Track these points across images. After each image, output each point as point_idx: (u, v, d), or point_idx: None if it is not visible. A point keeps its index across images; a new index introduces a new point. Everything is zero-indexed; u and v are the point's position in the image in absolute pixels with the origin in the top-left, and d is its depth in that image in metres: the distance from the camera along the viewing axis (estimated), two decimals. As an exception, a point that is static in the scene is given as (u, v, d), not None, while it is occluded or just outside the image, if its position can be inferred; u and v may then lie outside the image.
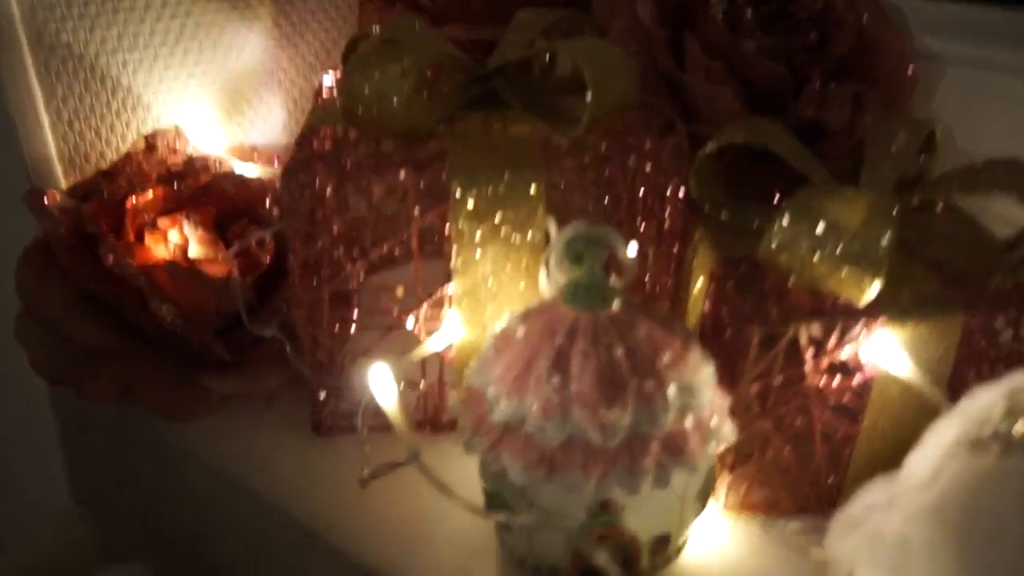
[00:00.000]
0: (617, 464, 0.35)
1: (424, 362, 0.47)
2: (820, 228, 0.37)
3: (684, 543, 0.42)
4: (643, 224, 0.45)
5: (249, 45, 0.58)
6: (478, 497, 0.41)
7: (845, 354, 0.39)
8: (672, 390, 0.36)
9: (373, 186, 0.42)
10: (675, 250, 0.46)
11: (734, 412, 0.40)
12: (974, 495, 0.31)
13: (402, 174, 0.42)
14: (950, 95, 0.53)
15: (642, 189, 0.44)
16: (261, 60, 0.59)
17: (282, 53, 0.60)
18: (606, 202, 0.44)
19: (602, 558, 0.35)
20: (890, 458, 0.40)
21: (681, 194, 0.45)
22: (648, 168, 0.44)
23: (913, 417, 0.41)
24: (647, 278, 0.46)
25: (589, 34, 0.54)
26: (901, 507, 0.34)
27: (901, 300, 0.39)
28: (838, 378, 0.40)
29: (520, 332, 0.37)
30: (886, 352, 0.39)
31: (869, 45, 0.49)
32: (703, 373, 0.37)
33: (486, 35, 0.55)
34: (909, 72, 0.50)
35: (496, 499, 0.39)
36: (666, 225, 0.45)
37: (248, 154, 0.60)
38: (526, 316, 0.38)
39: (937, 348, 0.39)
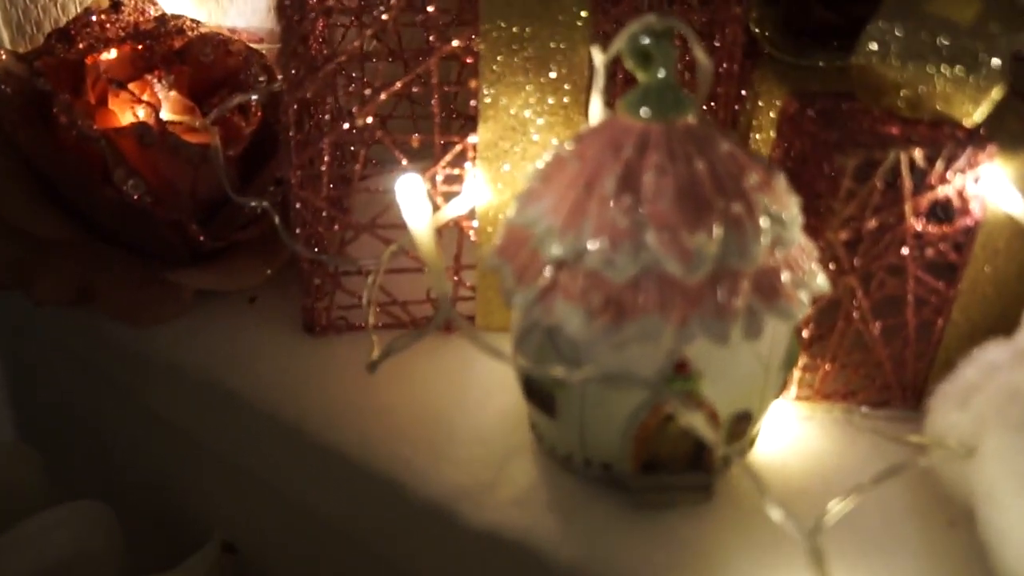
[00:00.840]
0: (702, 304, 0.29)
1: (441, 237, 0.40)
2: (927, 26, 0.31)
3: (758, 432, 0.35)
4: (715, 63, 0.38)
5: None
6: (513, 394, 0.34)
7: (949, 190, 0.33)
8: (763, 217, 0.29)
9: (384, 10, 0.35)
10: (732, 96, 0.40)
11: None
12: None
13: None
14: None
15: (697, 25, 0.38)
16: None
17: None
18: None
19: (697, 420, 0.28)
20: (989, 332, 0.34)
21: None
22: (704, 10, 0.38)
23: (1019, 277, 0.35)
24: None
25: None
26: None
27: (1009, 127, 0.34)
28: (937, 224, 0.34)
29: (575, 154, 0.31)
30: (995, 188, 0.33)
31: None
32: (792, 206, 0.31)
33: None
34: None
35: (538, 386, 0.32)
36: (724, 67, 0.39)
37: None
38: (580, 138, 0.32)
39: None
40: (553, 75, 0.36)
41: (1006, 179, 0.33)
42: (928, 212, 0.34)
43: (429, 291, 0.40)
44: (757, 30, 0.39)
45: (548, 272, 0.30)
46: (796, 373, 0.37)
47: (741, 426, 0.32)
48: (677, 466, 0.33)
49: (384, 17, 0.34)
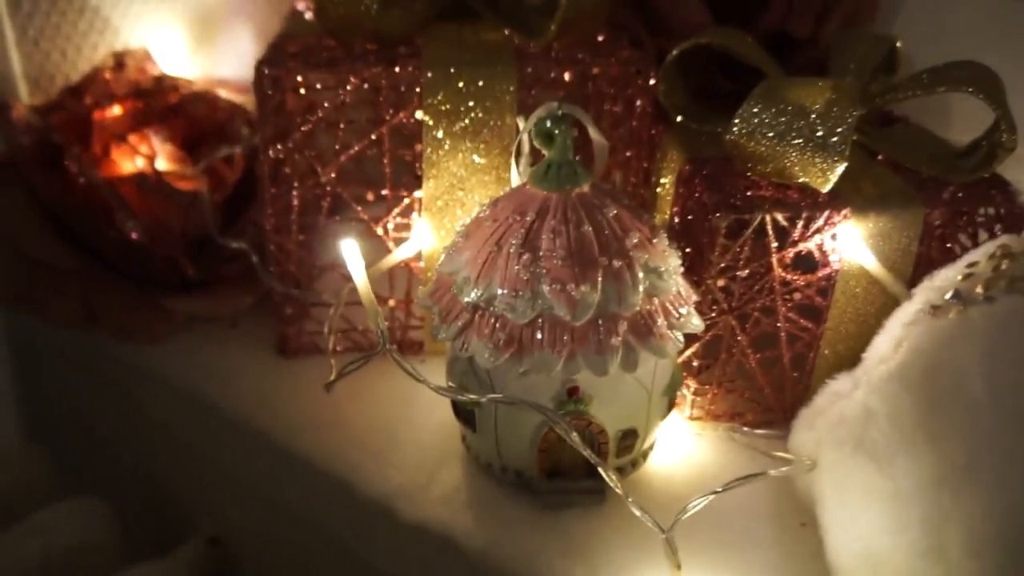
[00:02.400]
0: (586, 342, 0.36)
1: (392, 278, 0.47)
2: (785, 111, 0.38)
3: (651, 447, 0.42)
4: (612, 132, 0.46)
5: (220, -26, 0.59)
6: (449, 410, 0.41)
7: (810, 245, 0.40)
8: (639, 271, 0.37)
9: (346, 79, 0.42)
10: (643, 157, 0.47)
11: (700, 309, 0.41)
12: (935, 352, 0.32)
13: (374, 68, 0.43)
14: (914, 11, 0.55)
15: (610, 98, 0.45)
16: (231, -10, 0.60)
17: (252, -16, 0.61)
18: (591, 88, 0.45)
19: (574, 437, 0.35)
20: (853, 363, 0.41)
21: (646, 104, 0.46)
22: (616, 77, 0.46)
23: (876, 317, 0.42)
24: (617, 182, 0.47)
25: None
26: (863, 383, 0.35)
27: (864, 192, 0.41)
28: (802, 274, 0.41)
29: (490, 216, 0.38)
30: (850, 244, 0.40)
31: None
32: (670, 260, 0.38)
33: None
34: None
35: (461, 405, 0.40)
36: (634, 133, 0.46)
37: (217, 86, 0.60)
38: (496, 202, 0.39)
39: (899, 242, 0.41)
40: (485, 142, 0.43)
41: (859, 236, 0.40)
42: (795, 263, 0.41)
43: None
44: (664, 100, 0.46)
45: (465, 314, 0.37)
46: (689, 396, 0.44)
47: (628, 441, 0.40)
48: (576, 473, 0.40)
49: (346, 100, 0.42)
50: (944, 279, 0.35)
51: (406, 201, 0.45)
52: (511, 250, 0.36)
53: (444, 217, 0.45)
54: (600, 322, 0.36)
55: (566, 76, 0.44)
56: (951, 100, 0.46)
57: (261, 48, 0.60)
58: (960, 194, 0.41)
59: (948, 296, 0.33)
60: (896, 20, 0.55)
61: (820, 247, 0.40)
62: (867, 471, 0.33)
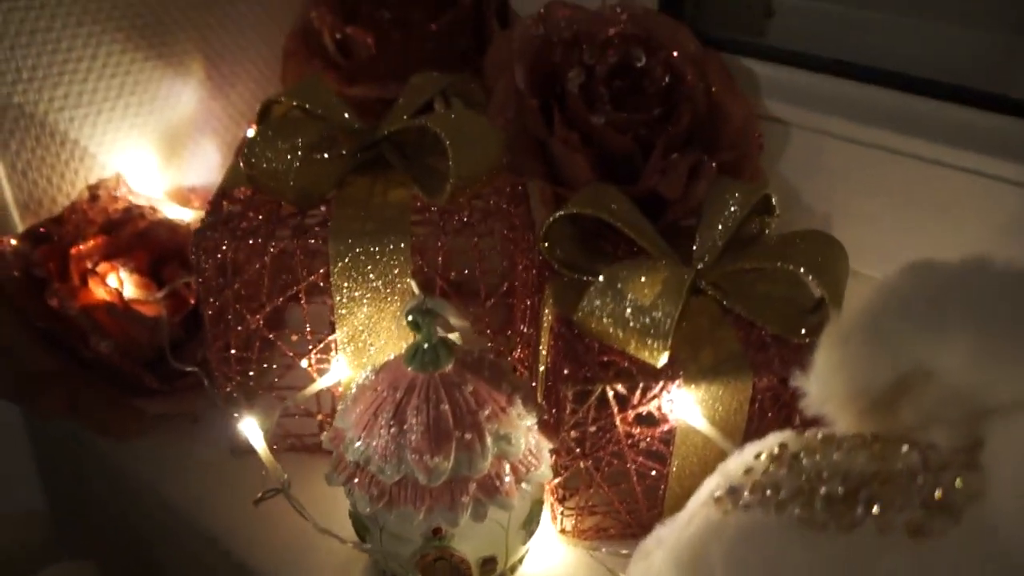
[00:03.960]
0: (441, 500, 0.45)
1: (319, 396, 0.57)
2: (621, 300, 0.46)
3: (518, 562, 0.52)
4: (503, 281, 0.54)
5: (184, 97, 0.68)
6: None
7: (649, 407, 0.48)
8: (489, 440, 0.45)
9: (265, 250, 0.52)
10: (529, 305, 0.55)
11: (559, 453, 0.49)
12: (702, 545, 0.40)
13: (289, 239, 0.52)
14: (797, 157, 0.61)
15: (501, 248, 0.53)
16: (196, 110, 0.69)
17: (215, 103, 0.69)
18: (469, 259, 0.53)
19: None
20: (702, 492, 0.49)
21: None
22: (505, 230, 0.54)
23: (716, 459, 0.50)
24: (512, 331, 0.55)
25: (476, 96, 0.63)
26: (664, 546, 0.44)
27: (702, 361, 0.48)
28: (646, 428, 0.49)
29: (372, 384, 0.47)
30: (684, 407, 0.48)
31: (718, 113, 0.58)
32: (521, 425, 0.47)
33: (391, 93, 0.64)
34: (755, 137, 0.59)
35: (358, 521, 0.50)
36: (521, 282, 0.54)
37: (186, 195, 0.70)
38: (379, 370, 0.48)
39: (730, 405, 0.49)
40: (385, 300, 0.52)
41: (691, 400, 0.48)
42: (638, 419, 0.49)
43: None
44: (548, 254, 0.53)
45: (350, 467, 0.47)
46: (559, 516, 0.53)
47: (489, 566, 0.49)
48: (448, 589, 0.50)
49: (267, 264, 0.51)
50: (736, 464, 0.43)
51: (324, 342, 0.55)
52: (383, 421, 0.46)
53: (358, 357, 0.54)
54: (453, 484, 0.45)
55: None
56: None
57: (224, 159, 0.70)
58: (787, 360, 0.49)
59: (723, 492, 0.41)
60: (781, 158, 0.61)
61: (658, 408, 0.48)
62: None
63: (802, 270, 0.48)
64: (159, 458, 0.60)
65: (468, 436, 0.45)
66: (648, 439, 0.50)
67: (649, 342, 0.46)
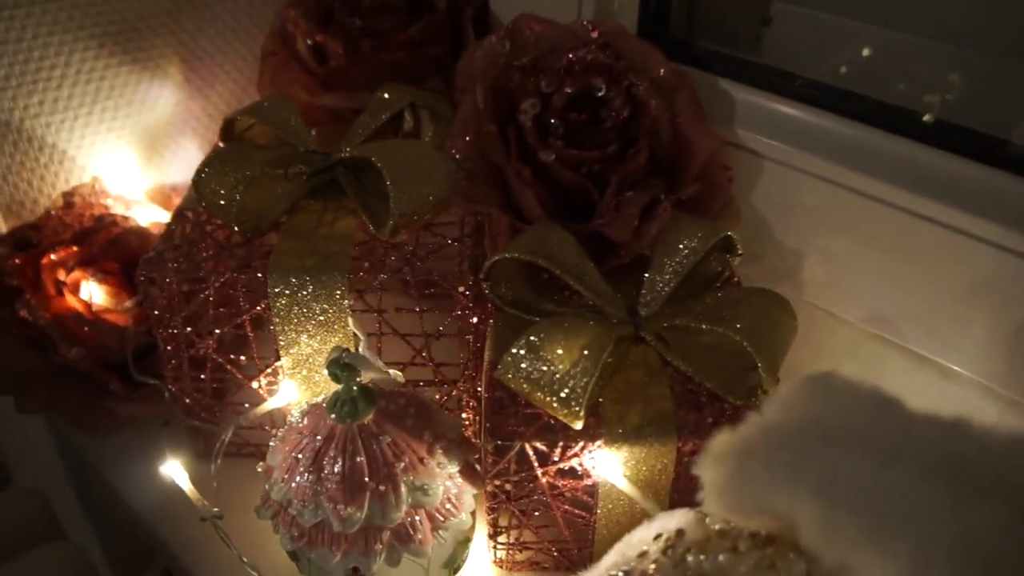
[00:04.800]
0: (356, 546, 0.47)
1: (273, 414, 0.59)
2: (539, 364, 0.46)
3: (449, 593, 0.54)
4: (447, 317, 0.54)
5: (162, 100, 0.69)
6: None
7: (572, 463, 0.49)
8: (404, 491, 0.47)
9: (208, 282, 0.53)
10: (474, 339, 0.56)
11: (492, 495, 0.51)
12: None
13: (231, 272, 0.53)
14: (770, 190, 0.59)
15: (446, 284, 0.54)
16: (175, 112, 0.70)
17: (194, 104, 0.70)
18: (413, 294, 0.54)
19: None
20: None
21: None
22: (451, 264, 0.54)
23: (643, 511, 0.51)
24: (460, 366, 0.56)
25: (443, 111, 0.62)
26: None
27: (628, 421, 0.48)
28: (570, 479, 0.50)
29: (298, 428, 0.49)
30: (606, 466, 0.48)
31: (682, 145, 0.56)
32: (441, 474, 0.48)
33: (361, 104, 0.64)
34: (724, 170, 0.57)
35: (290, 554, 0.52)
36: (462, 321, 0.54)
37: (168, 194, 0.72)
38: (307, 412, 0.50)
39: (654, 466, 0.49)
40: (325, 332, 0.54)
41: (614, 460, 0.48)
42: (563, 472, 0.50)
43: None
44: (490, 293, 0.53)
45: (275, 505, 0.49)
46: (494, 549, 0.55)
47: (412, 602, 0.51)
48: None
49: (212, 296, 0.53)
50: (637, 540, 0.43)
51: (272, 367, 0.56)
52: (303, 467, 0.48)
53: (306, 383, 0.56)
54: (367, 531, 0.47)
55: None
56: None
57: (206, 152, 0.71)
58: (719, 422, 0.48)
59: (621, 572, 0.42)
60: (754, 190, 0.59)
61: (580, 464, 0.49)
62: None
63: (737, 337, 0.47)
64: (125, 459, 0.64)
65: (383, 487, 0.47)
66: (573, 490, 0.50)
67: (568, 406, 0.47)
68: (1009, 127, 0.52)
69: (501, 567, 0.56)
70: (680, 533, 0.42)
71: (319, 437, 0.48)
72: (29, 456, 0.84)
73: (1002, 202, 0.50)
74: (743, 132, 0.58)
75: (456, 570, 0.53)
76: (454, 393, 0.58)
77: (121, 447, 0.65)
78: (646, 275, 0.53)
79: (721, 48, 0.64)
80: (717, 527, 0.41)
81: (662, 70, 0.57)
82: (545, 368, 0.47)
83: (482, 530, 0.55)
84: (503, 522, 0.53)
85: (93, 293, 0.63)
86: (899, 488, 0.28)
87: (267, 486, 0.50)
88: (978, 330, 0.54)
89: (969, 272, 0.52)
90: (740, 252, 0.55)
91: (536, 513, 0.52)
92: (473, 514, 0.54)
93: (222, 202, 0.54)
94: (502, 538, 0.54)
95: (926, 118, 0.53)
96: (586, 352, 0.47)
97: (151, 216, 0.68)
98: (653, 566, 0.41)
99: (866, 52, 0.61)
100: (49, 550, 0.67)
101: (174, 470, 0.49)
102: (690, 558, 0.39)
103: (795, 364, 0.63)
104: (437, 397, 0.58)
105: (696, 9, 0.66)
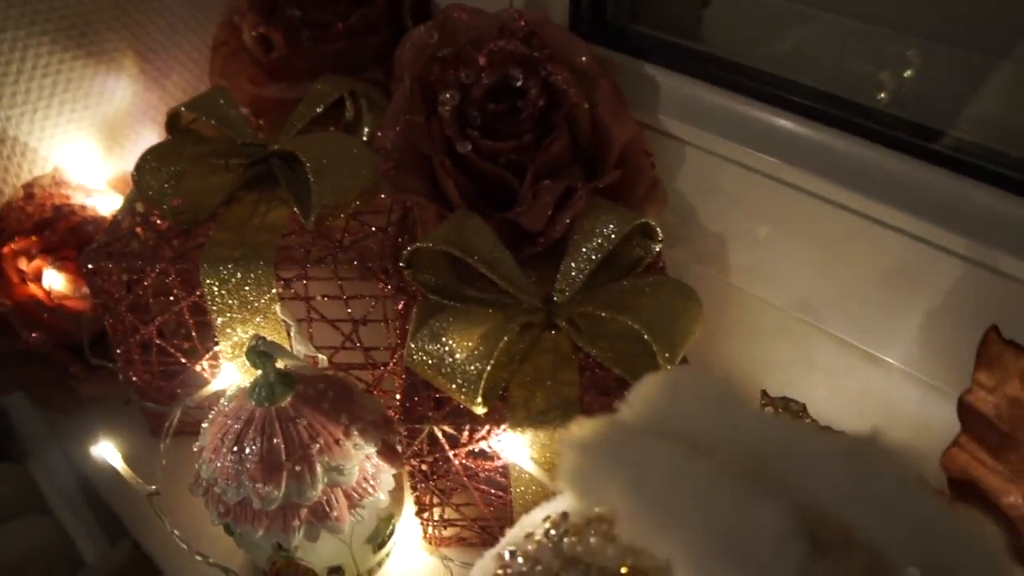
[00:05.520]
0: (275, 522, 0.51)
1: (219, 395, 0.63)
2: (440, 350, 0.49)
3: (376, 566, 0.58)
4: (372, 302, 0.57)
5: (119, 91, 0.72)
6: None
7: (481, 445, 0.52)
8: (320, 471, 0.50)
9: (144, 273, 0.57)
10: (400, 326, 0.58)
11: (411, 475, 0.54)
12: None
13: (165, 263, 0.56)
14: (694, 176, 0.60)
15: (366, 275, 0.57)
16: (133, 103, 0.73)
17: (151, 95, 0.74)
18: (340, 282, 0.57)
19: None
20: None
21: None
22: (375, 252, 0.57)
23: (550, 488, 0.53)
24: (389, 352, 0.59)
25: (379, 101, 0.65)
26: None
27: (532, 406, 0.51)
28: (482, 461, 0.53)
29: (225, 412, 0.53)
30: (512, 448, 0.51)
31: (601, 134, 0.57)
32: (357, 455, 0.51)
33: (304, 93, 0.67)
34: (644, 157, 0.58)
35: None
36: (391, 304, 0.57)
37: (129, 182, 0.75)
38: (232, 397, 0.53)
39: (559, 449, 0.51)
40: (260, 319, 0.57)
41: (519, 441, 0.51)
42: (475, 453, 0.52)
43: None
44: (412, 279, 0.56)
45: (205, 484, 0.53)
46: (423, 525, 0.58)
47: (336, 574, 0.55)
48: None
49: (150, 285, 0.56)
50: (530, 521, 0.46)
51: (213, 351, 0.60)
52: (226, 448, 0.51)
53: (243, 365, 0.60)
54: (286, 509, 0.51)
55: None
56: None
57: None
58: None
59: (503, 552, 0.44)
60: (678, 175, 0.60)
61: (489, 446, 0.52)
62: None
63: (637, 326, 0.49)
64: (84, 435, 0.69)
65: (298, 468, 0.50)
66: (486, 472, 0.53)
67: (465, 392, 0.49)
68: (927, 115, 0.53)
69: (431, 543, 0.59)
70: (564, 516, 0.45)
71: (241, 420, 0.51)
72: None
73: (911, 191, 0.51)
74: (666, 119, 0.59)
75: (381, 545, 0.56)
76: (384, 376, 0.61)
77: (85, 424, 0.69)
78: (562, 262, 0.55)
79: (660, 33, 0.65)
80: (598, 510, 0.44)
81: (583, 58, 0.58)
82: (445, 355, 0.50)
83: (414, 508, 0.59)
84: (426, 500, 0.57)
85: (53, 280, 0.67)
86: (694, 483, 0.30)
87: (197, 466, 0.53)
88: (893, 318, 0.55)
89: (881, 260, 0.53)
90: (661, 238, 0.57)
91: (456, 492, 0.55)
92: (401, 495, 0.57)
93: (157, 196, 0.57)
94: (427, 515, 0.57)
95: (838, 102, 0.54)
96: (483, 340, 0.49)
97: (112, 204, 0.72)
98: (532, 547, 0.44)
99: (804, 35, 0.61)
100: (27, 522, 0.73)
101: (107, 451, 0.53)
102: (566, 540, 0.42)
103: (731, 345, 0.66)
104: (369, 380, 0.61)
105: (637, -7, 0.67)
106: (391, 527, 0.56)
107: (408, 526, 0.60)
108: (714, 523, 0.28)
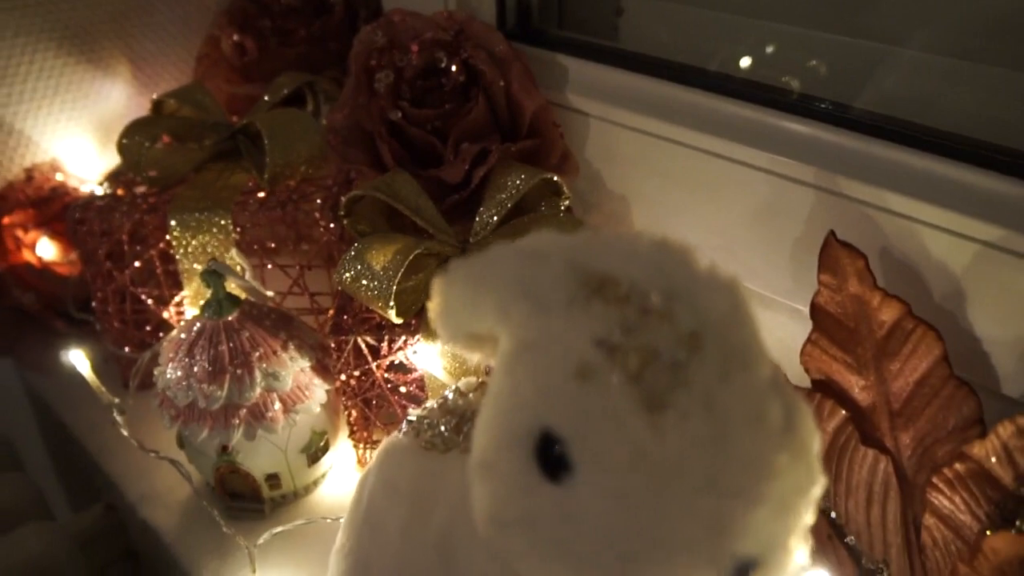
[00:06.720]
0: (219, 422, 0.60)
1: (183, 342, 0.72)
2: (362, 270, 0.59)
3: (312, 484, 0.65)
4: (312, 250, 0.67)
5: (114, 95, 0.85)
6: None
7: (399, 357, 0.61)
8: (259, 375, 0.59)
9: (121, 224, 0.67)
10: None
11: (342, 392, 0.63)
12: (381, 465, 0.52)
13: (138, 215, 0.67)
14: (598, 144, 0.71)
15: (312, 225, 0.67)
16: (125, 105, 0.86)
17: (142, 99, 0.86)
18: (285, 234, 0.67)
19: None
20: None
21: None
22: (319, 209, 0.67)
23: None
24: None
25: (332, 92, 0.77)
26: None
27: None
28: (401, 375, 0.61)
29: (183, 326, 0.62)
30: (426, 359, 0.60)
31: (514, 107, 0.69)
32: (292, 365, 0.60)
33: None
34: (552, 127, 0.69)
35: (179, 437, 0.65)
36: (332, 250, 0.67)
37: (118, 175, 0.87)
38: (191, 320, 0.63)
39: (468, 359, 0.60)
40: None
41: (433, 352, 0.60)
42: (395, 366, 0.61)
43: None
44: (351, 228, 0.66)
45: (160, 393, 0.62)
46: (355, 450, 0.66)
47: (273, 482, 0.63)
48: (247, 497, 0.64)
49: (125, 235, 0.67)
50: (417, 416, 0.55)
51: (179, 297, 0.70)
52: (179, 357, 0.60)
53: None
54: (227, 409, 0.59)
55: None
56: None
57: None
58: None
59: (410, 417, 0.53)
60: (585, 146, 0.71)
61: (407, 358, 0.61)
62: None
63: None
64: (75, 385, 0.78)
65: (240, 371, 0.59)
66: (405, 386, 0.62)
67: (379, 302, 0.59)
68: (775, 75, 0.64)
69: (363, 465, 0.67)
70: (458, 390, 0.54)
71: (192, 332, 0.61)
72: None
73: (767, 133, 0.61)
74: (573, 96, 0.70)
75: (314, 458, 0.64)
76: (328, 321, 0.70)
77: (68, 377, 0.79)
78: (478, 213, 0.66)
79: (580, 36, 0.77)
80: (480, 379, 0.52)
81: (500, 47, 0.70)
82: (364, 268, 0.59)
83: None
84: (357, 421, 0.65)
85: (45, 248, 0.78)
86: (514, 270, 0.39)
87: (154, 377, 0.63)
88: (767, 252, 0.64)
89: (751, 198, 0.63)
90: (567, 195, 0.67)
91: (382, 409, 0.64)
92: (337, 421, 0.66)
93: (136, 160, 0.68)
94: (358, 437, 0.66)
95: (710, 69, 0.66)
96: (397, 253, 0.59)
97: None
98: (425, 411, 0.52)
99: (698, 32, 0.73)
100: (1, 479, 0.81)
101: (76, 358, 0.62)
102: (451, 402, 0.51)
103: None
104: (315, 326, 0.71)
105: (561, 3, 0.79)
106: (324, 440, 0.65)
107: (344, 455, 0.68)
108: (513, 279, 0.36)
